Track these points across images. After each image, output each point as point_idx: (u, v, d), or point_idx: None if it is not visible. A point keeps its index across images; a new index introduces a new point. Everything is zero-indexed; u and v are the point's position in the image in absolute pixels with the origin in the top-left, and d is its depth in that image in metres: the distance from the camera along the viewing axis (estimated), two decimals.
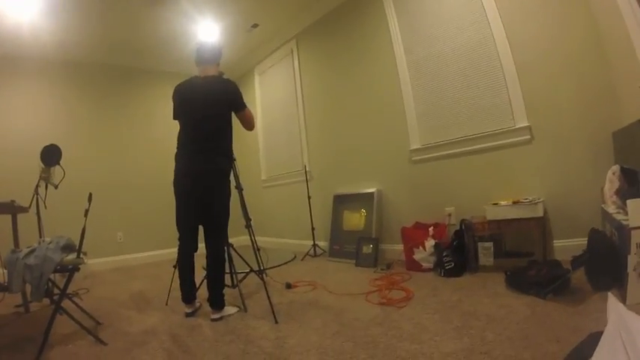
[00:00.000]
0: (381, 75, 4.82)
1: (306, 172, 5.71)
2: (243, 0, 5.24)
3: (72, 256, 2.56)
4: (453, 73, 4.11)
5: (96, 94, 6.26)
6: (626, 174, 2.48)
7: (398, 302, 2.82)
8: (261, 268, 3.26)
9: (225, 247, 3.09)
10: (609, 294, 1.74)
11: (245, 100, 3.15)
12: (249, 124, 3.23)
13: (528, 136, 3.53)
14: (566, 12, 3.32)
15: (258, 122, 6.98)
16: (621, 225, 2.22)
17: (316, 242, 5.37)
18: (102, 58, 6.25)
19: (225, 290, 2.99)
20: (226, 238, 3.10)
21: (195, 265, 3.10)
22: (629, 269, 2.10)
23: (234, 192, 3.16)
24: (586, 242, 2.68)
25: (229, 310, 2.94)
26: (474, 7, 3.88)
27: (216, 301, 2.88)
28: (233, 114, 3.14)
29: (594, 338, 1.52)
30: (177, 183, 3.03)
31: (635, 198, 2.17)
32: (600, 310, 1.66)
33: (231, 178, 3.13)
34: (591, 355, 1.43)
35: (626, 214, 2.18)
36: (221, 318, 2.83)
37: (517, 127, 3.59)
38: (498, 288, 2.86)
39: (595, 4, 3.03)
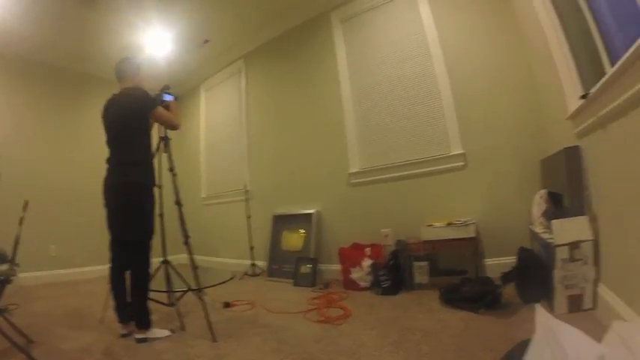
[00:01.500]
0: (324, 99, 4.93)
1: (246, 191, 5.68)
2: (196, 15, 5.17)
3: (4, 267, 2.42)
4: (394, 100, 4.29)
5: (44, 96, 5.85)
6: (552, 197, 2.68)
7: (336, 320, 2.83)
8: (199, 286, 3.19)
9: (148, 264, 2.89)
10: (537, 305, 1.87)
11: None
12: (166, 123, 3.14)
13: (462, 163, 3.76)
14: (506, 54, 3.67)
15: (201, 139, 6.91)
16: (547, 243, 2.40)
17: (255, 262, 5.30)
18: (52, 59, 5.87)
19: (163, 308, 2.91)
20: (148, 253, 2.90)
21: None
22: (555, 283, 2.26)
23: (173, 208, 3.11)
24: (515, 260, 2.85)
25: (157, 332, 2.75)
26: (419, 40, 4.13)
27: (138, 320, 2.71)
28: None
29: (524, 345, 1.62)
30: (104, 197, 2.92)
31: (559, 219, 2.36)
32: (530, 321, 1.76)
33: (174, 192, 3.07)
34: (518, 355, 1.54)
35: (552, 233, 2.36)
36: (146, 339, 2.65)
37: (452, 153, 3.81)
38: (433, 304, 2.95)
39: (533, 51, 3.34)
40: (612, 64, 1.79)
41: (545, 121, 3.31)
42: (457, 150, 3.79)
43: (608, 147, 1.97)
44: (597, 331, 1.58)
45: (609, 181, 2.02)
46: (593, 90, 1.99)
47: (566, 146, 2.50)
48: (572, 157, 2.44)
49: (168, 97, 3.20)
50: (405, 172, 4.12)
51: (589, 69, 2.32)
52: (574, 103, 2.38)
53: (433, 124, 3.99)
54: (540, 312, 1.79)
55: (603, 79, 1.79)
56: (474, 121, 3.74)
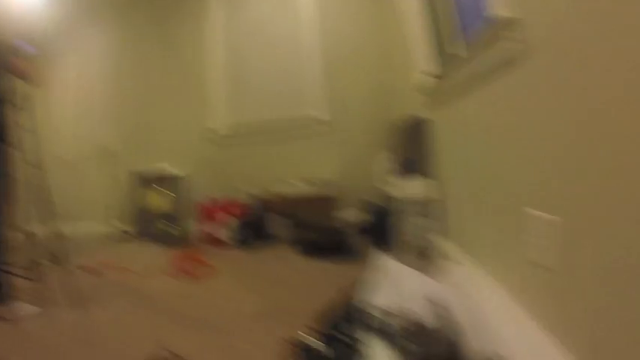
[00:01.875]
0: (194, 57, 4.79)
1: (108, 149, 5.38)
2: None
3: None
4: (265, 63, 4.41)
5: None
6: (403, 160, 3.03)
7: (201, 276, 2.90)
8: (61, 254, 3.01)
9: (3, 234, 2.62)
10: (380, 251, 2.18)
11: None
12: (24, 76, 2.72)
13: (325, 127, 4.09)
14: (373, 27, 4.05)
15: (62, 94, 6.27)
16: (393, 198, 2.75)
17: (119, 224, 5.11)
18: None
19: (26, 282, 2.69)
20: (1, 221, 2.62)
21: None
22: (403, 234, 2.58)
23: (31, 171, 2.86)
24: (366, 214, 3.26)
25: (23, 307, 2.47)
26: (295, 4, 4.27)
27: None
28: None
29: (365, 282, 1.92)
30: None
31: (405, 177, 2.71)
32: (375, 265, 2.06)
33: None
34: (362, 292, 1.80)
35: (401, 191, 2.68)
36: (11, 317, 2.37)
37: (316, 118, 4.11)
38: (293, 256, 3.22)
39: (396, 26, 3.59)
40: (467, 47, 2.02)
41: (400, 93, 3.64)
42: (322, 116, 4.10)
43: (450, 120, 2.27)
44: (437, 275, 1.89)
45: (450, 149, 2.34)
46: (444, 68, 2.28)
47: (417, 116, 2.83)
48: (420, 126, 2.76)
49: (28, 48, 2.93)
50: (272, 136, 4.32)
51: (444, 50, 2.59)
52: (427, 79, 2.65)
53: (301, 89, 4.22)
54: (383, 257, 2.12)
55: (453, 61, 2.06)
56: (339, 90, 4.10)
